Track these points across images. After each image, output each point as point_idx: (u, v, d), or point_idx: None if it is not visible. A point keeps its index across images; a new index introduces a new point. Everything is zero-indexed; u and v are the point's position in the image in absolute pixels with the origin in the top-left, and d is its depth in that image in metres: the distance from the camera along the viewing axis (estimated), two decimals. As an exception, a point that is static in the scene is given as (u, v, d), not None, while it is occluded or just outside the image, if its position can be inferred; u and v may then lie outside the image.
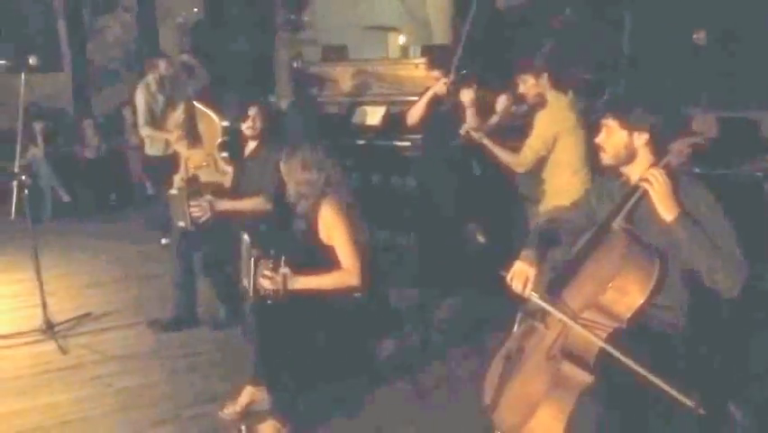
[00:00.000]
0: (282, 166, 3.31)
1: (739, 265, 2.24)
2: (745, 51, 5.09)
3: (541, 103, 3.78)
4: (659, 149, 2.40)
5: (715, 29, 5.23)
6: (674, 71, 5.41)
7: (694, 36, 5.29)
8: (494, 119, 3.88)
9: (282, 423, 3.08)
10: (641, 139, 2.39)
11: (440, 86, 4.38)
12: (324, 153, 3.26)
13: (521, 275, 2.47)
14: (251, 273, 3.21)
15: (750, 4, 5.08)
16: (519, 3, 6.56)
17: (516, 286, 2.48)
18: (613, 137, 2.43)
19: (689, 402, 2.04)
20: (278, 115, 4.89)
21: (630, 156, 2.43)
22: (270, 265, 3.16)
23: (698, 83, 5.16)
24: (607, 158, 2.48)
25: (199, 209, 4.10)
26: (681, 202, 2.31)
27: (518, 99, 3.85)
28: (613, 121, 2.43)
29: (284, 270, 3.14)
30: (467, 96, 4.19)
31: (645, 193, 2.36)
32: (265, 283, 3.14)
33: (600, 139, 2.49)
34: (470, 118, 4.14)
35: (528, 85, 3.78)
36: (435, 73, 4.43)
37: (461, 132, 3.92)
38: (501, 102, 3.94)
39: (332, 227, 3.17)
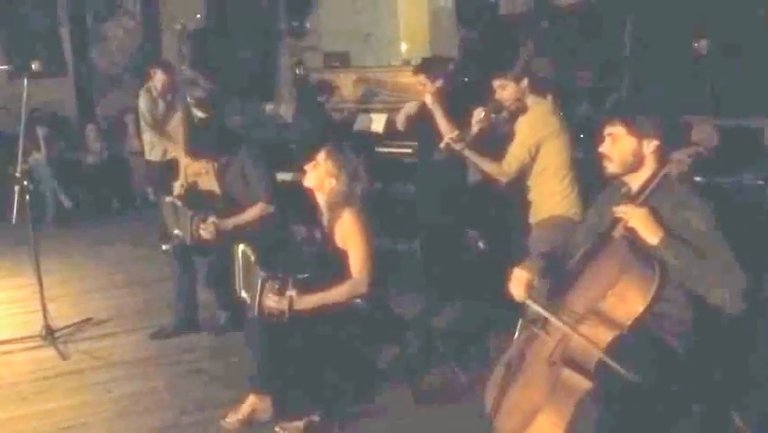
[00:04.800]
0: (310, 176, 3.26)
1: (737, 279, 2.22)
2: (745, 60, 5.09)
3: (521, 109, 3.66)
4: (664, 157, 2.39)
5: (716, 38, 5.24)
6: (675, 80, 5.42)
7: (695, 45, 5.30)
8: (474, 129, 3.73)
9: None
10: (651, 146, 2.38)
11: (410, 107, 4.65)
12: (349, 156, 3.24)
13: (520, 281, 2.48)
14: (257, 294, 3.15)
15: (751, 12, 5.09)
16: (520, 10, 6.58)
17: (515, 291, 2.48)
18: (620, 144, 2.40)
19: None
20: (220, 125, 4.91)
21: (637, 164, 2.40)
22: (277, 287, 3.12)
23: (698, 92, 5.17)
24: (612, 167, 2.43)
25: (206, 233, 4.07)
26: (665, 224, 2.29)
27: (496, 106, 3.72)
28: (621, 127, 2.39)
29: (291, 292, 3.11)
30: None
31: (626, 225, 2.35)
32: (271, 307, 3.11)
33: (605, 148, 2.44)
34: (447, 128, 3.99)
35: (508, 90, 3.66)
36: (421, 78, 4.45)
37: (441, 145, 3.81)
38: (477, 114, 3.79)
39: (349, 236, 3.17)
